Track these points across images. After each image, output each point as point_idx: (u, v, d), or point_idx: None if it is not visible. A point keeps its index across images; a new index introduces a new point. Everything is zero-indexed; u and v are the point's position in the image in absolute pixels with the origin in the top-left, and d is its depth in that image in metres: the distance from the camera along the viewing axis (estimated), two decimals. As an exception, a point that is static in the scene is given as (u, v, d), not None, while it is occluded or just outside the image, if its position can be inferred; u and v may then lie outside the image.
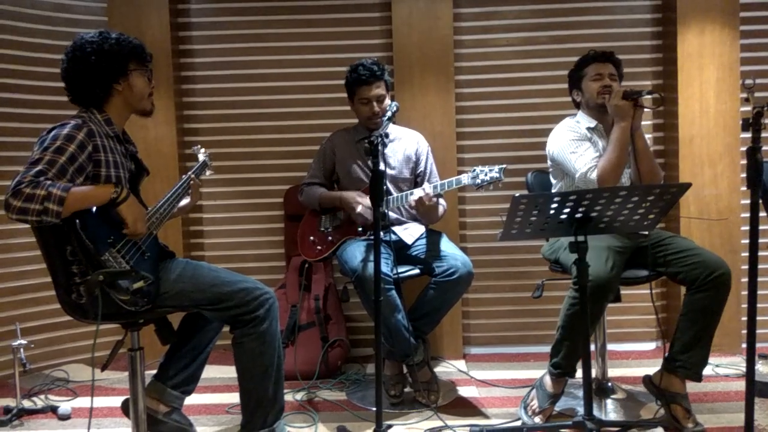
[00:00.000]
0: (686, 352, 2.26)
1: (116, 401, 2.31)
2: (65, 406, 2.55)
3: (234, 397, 2.42)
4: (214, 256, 3.33)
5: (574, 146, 2.46)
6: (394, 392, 2.59)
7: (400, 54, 3.13)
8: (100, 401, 2.69)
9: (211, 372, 2.90)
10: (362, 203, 2.58)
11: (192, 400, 2.30)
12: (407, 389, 2.64)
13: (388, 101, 2.64)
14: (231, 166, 3.31)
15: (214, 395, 2.74)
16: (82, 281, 1.76)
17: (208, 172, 2.33)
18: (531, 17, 3.25)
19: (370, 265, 2.31)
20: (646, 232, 2.36)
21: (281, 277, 3.18)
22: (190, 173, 2.20)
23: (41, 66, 3.03)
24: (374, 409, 2.08)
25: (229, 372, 2.64)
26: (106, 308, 1.75)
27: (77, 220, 1.74)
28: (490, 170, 2.39)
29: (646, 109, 3.18)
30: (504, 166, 2.40)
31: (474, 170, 2.42)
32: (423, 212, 2.55)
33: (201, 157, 2.33)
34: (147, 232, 1.94)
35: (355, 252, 2.51)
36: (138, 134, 2.94)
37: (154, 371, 2.17)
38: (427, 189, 2.47)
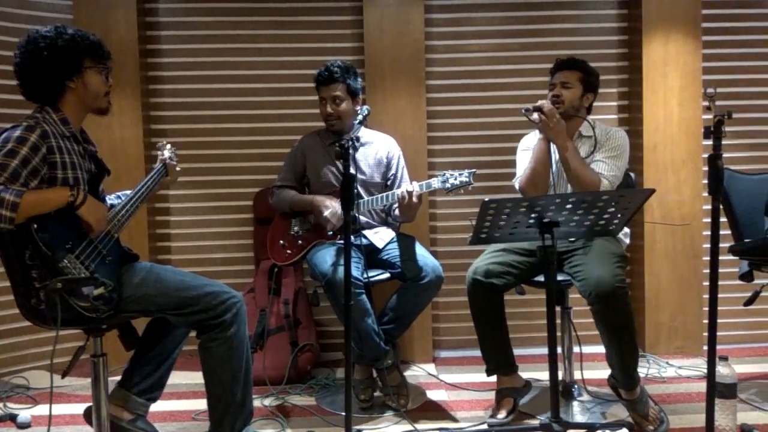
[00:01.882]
0: (609, 365, 2.31)
1: (78, 409, 2.25)
2: (24, 414, 2.47)
3: (201, 404, 2.37)
4: (181, 259, 3.27)
5: (519, 157, 2.58)
6: (363, 396, 2.57)
7: (372, 58, 3.12)
8: (62, 409, 2.61)
9: (177, 378, 2.84)
10: (331, 207, 2.56)
11: (157, 407, 2.25)
12: (377, 393, 2.63)
13: (346, 105, 2.63)
14: (200, 168, 3.26)
15: (181, 402, 2.69)
16: (42, 286, 1.71)
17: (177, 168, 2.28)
18: (501, 24, 3.28)
19: (340, 269, 2.30)
20: (572, 238, 2.37)
21: (250, 281, 3.14)
22: (148, 179, 2.13)
23: (3, 64, 2.94)
24: (344, 413, 2.07)
25: (196, 378, 2.60)
26: (67, 314, 1.70)
27: (34, 225, 1.69)
28: (460, 174, 2.41)
29: (613, 116, 3.27)
30: (474, 170, 2.42)
31: (444, 174, 2.43)
32: (405, 209, 2.55)
33: (166, 153, 2.26)
34: (108, 230, 1.89)
35: (325, 256, 2.50)
36: (103, 134, 2.88)
37: (119, 378, 2.12)
38: (415, 186, 2.47)
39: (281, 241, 2.73)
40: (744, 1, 3.27)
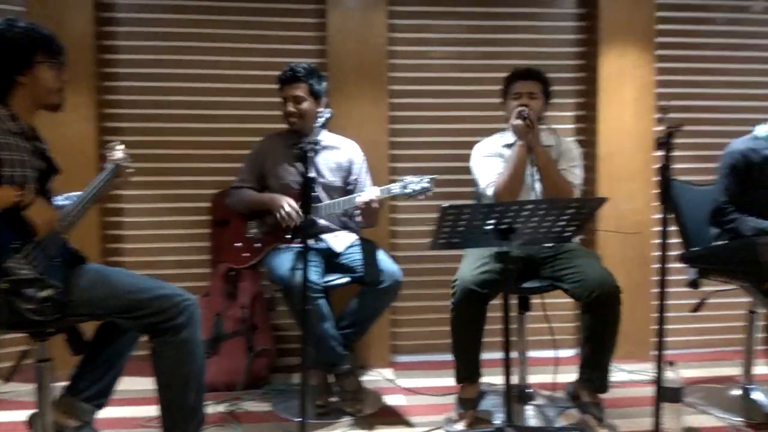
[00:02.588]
0: (588, 367, 2.38)
1: (22, 416, 2.16)
2: (-37, 421, 2.37)
3: (151, 410, 2.30)
4: (135, 262, 3.19)
5: (483, 163, 2.59)
6: (320, 402, 2.56)
7: (335, 61, 3.12)
8: (4, 416, 2.51)
9: (126, 384, 2.75)
10: (290, 203, 2.54)
11: (106, 413, 2.18)
12: (333, 399, 2.61)
13: (308, 105, 2.64)
14: (156, 168, 3.19)
15: (130, 408, 2.61)
16: (-16, 288, 1.64)
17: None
18: (463, 32, 3.32)
19: (299, 274, 2.28)
20: (550, 244, 2.42)
21: (207, 284, 3.08)
22: (98, 180, 2.06)
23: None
24: (299, 419, 2.05)
25: (146, 383, 2.52)
26: (11, 317, 1.63)
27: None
28: (420, 180, 2.42)
29: (570, 126, 3.34)
30: (434, 176, 2.44)
31: (404, 180, 2.45)
32: (366, 214, 2.55)
33: (118, 154, 2.20)
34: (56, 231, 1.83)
35: (283, 260, 2.47)
36: (56, 132, 2.75)
37: (65, 383, 2.05)
38: (376, 191, 2.46)
39: (238, 244, 2.70)
40: (696, 18, 3.39)
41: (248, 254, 2.66)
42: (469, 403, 2.45)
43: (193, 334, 1.94)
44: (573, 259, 2.39)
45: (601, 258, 2.50)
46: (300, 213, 2.54)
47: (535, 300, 2.58)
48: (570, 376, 2.62)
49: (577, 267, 2.35)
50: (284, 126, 2.80)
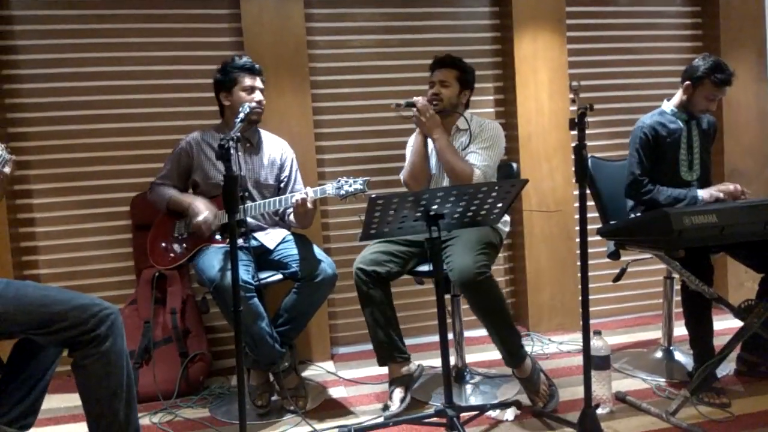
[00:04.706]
0: (497, 348, 2.42)
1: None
2: None
3: (81, 428, 2.22)
4: (52, 273, 3.02)
5: (407, 152, 2.70)
6: (260, 402, 2.52)
7: (252, 53, 3.04)
8: None
9: (53, 402, 2.63)
10: (205, 213, 2.48)
11: (31, 436, 2.07)
12: (274, 398, 2.59)
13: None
14: (67, 173, 3.03)
15: (59, 427, 2.48)
16: None
17: (7, 169, 2.04)
18: (381, 20, 3.33)
19: (229, 274, 2.23)
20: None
21: (132, 292, 2.97)
22: None
23: None
24: (238, 422, 2.02)
25: (75, 400, 2.42)
26: None
27: None
28: (354, 182, 2.40)
29: (490, 109, 3.43)
30: (368, 178, 2.42)
31: (338, 181, 2.42)
32: (301, 215, 2.52)
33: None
34: None
35: (213, 260, 2.42)
36: (-51, 141, 2.59)
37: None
38: (309, 192, 2.44)
39: (164, 244, 2.61)
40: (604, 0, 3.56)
41: (174, 254, 2.58)
42: (398, 381, 2.49)
43: (116, 343, 1.86)
44: (454, 244, 2.44)
45: (486, 243, 2.43)
46: (218, 219, 2.50)
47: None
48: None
49: (451, 255, 2.39)
50: (203, 122, 2.73)
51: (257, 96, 2.58)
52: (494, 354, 2.66)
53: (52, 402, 2.18)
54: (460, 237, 2.45)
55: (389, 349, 2.50)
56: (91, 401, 1.87)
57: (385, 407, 2.47)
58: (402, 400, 2.45)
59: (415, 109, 2.54)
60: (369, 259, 2.48)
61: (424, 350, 3.13)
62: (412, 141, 2.69)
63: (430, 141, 2.60)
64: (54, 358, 2.00)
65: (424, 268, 2.54)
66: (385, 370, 2.56)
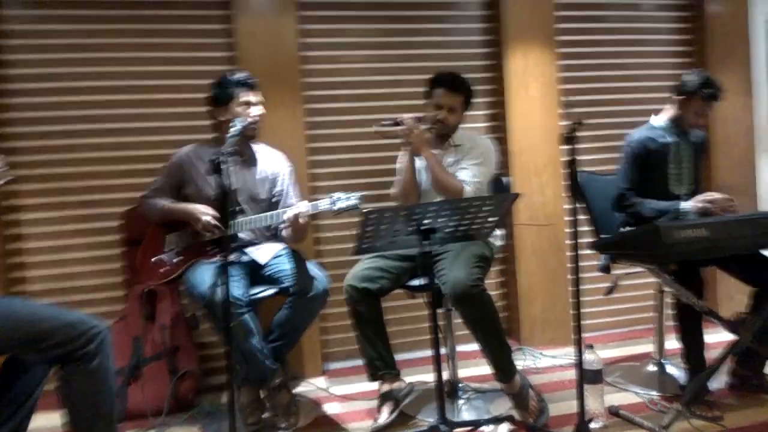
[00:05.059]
0: (487, 362, 2.42)
1: None
2: None
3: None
4: (41, 290, 2.99)
5: (397, 167, 2.68)
6: (251, 420, 2.49)
7: (245, 68, 3.02)
8: None
9: (41, 420, 2.58)
10: (209, 214, 2.48)
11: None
12: (266, 415, 2.56)
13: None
14: (59, 188, 3.01)
15: (46, 447, 2.46)
16: None
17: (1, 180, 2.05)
18: (374, 36, 3.35)
19: (220, 290, 2.22)
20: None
21: (122, 308, 2.94)
22: None
23: None
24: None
25: (61, 419, 2.38)
26: None
27: None
28: (348, 198, 2.38)
29: (482, 124, 3.45)
30: (362, 193, 2.41)
31: (332, 196, 2.41)
32: (294, 231, 2.52)
33: None
34: None
35: (204, 276, 2.40)
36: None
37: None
38: (302, 207, 2.43)
39: (155, 259, 2.60)
40: (593, 16, 3.60)
41: (165, 269, 2.57)
42: (387, 396, 2.48)
43: (104, 362, 1.85)
44: (447, 258, 2.44)
45: (479, 257, 2.44)
46: (218, 224, 2.49)
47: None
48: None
49: (444, 268, 2.39)
50: (195, 137, 2.73)
51: (255, 110, 2.58)
52: (486, 368, 2.65)
53: (40, 420, 2.15)
54: (453, 251, 2.45)
55: (379, 365, 2.49)
56: (75, 419, 1.85)
57: (375, 420, 2.45)
58: (390, 413, 2.44)
59: (403, 127, 2.52)
60: (360, 276, 2.47)
61: (416, 365, 3.12)
62: (401, 158, 2.69)
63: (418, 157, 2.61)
64: (42, 376, 1.97)
65: (421, 282, 2.53)
66: (377, 385, 2.54)
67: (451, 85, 2.61)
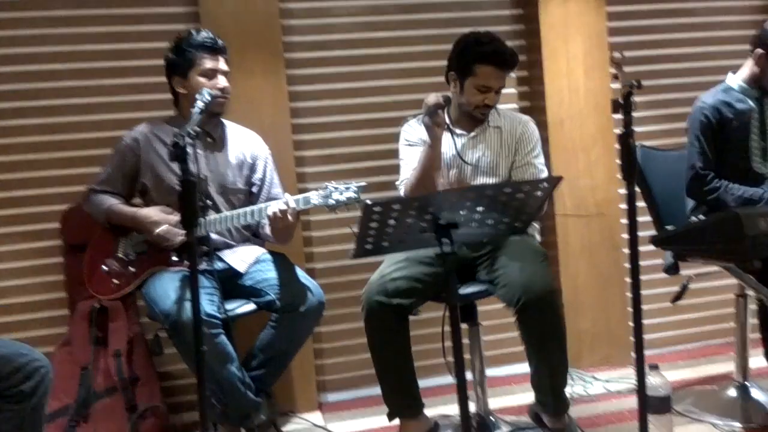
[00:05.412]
0: (539, 386, 2.46)
1: None
2: None
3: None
4: (-37, 310, 3.03)
5: (405, 152, 2.67)
6: (232, 467, 2.54)
7: (210, 26, 3.02)
8: None
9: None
10: (164, 221, 2.49)
11: None
12: (249, 459, 2.60)
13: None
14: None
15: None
16: None
17: None
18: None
19: (188, 306, 2.24)
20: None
21: (65, 330, 2.97)
22: None
23: None
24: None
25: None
26: None
27: None
28: (346, 189, 2.38)
29: (512, 90, 3.45)
30: (362, 183, 2.42)
31: (326, 187, 2.41)
32: (280, 230, 2.53)
33: None
34: None
35: (167, 289, 2.42)
36: None
37: None
38: (289, 201, 2.44)
39: (105, 267, 2.62)
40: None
41: (119, 281, 2.59)
42: None
43: (39, 403, 1.90)
44: (503, 258, 2.45)
45: (542, 253, 2.53)
46: (179, 229, 2.50)
47: (484, 307, 2.67)
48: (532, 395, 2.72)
49: (503, 268, 2.41)
50: (153, 113, 2.74)
51: (220, 81, 2.59)
52: (523, 397, 2.67)
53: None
54: (508, 247, 2.47)
55: (403, 401, 2.50)
56: None
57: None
58: None
59: (431, 117, 2.45)
60: (391, 289, 2.40)
61: (437, 395, 3.12)
62: (409, 139, 2.67)
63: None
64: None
65: (470, 288, 2.53)
66: (384, 421, 2.56)
67: (506, 65, 2.58)
